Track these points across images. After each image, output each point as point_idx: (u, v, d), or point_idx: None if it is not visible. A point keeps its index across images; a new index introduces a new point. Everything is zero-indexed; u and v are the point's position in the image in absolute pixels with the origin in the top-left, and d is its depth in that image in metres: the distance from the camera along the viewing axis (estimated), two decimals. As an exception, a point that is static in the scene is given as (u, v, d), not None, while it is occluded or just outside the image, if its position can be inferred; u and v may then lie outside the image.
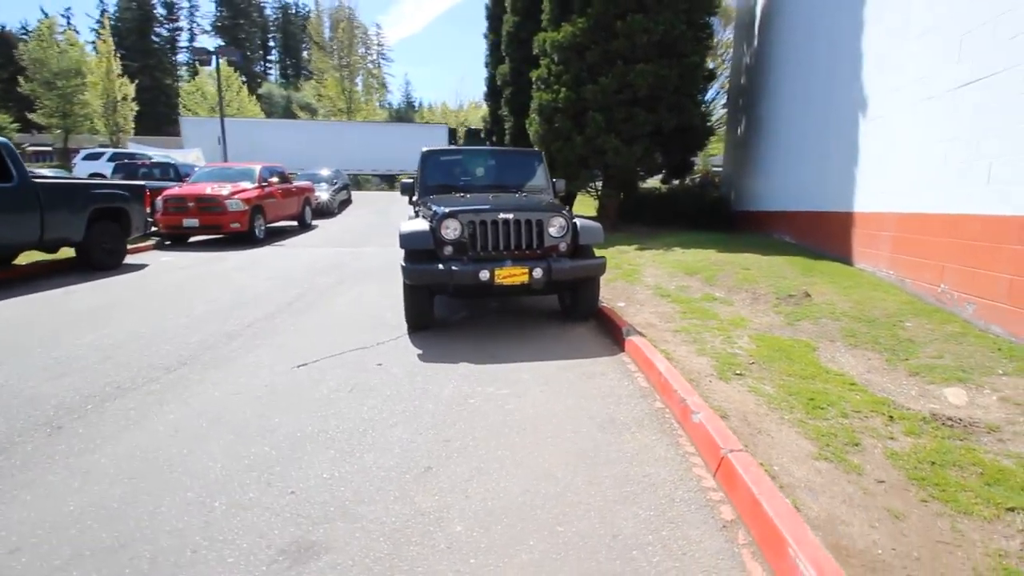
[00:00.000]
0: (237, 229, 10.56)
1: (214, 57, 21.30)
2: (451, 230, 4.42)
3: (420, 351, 4.19)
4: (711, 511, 2.08)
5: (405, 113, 58.64)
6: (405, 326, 4.85)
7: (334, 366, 3.85)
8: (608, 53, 10.13)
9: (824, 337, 4.01)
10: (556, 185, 5.87)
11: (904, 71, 4.98)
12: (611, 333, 4.62)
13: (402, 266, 4.38)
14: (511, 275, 4.33)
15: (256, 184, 11.50)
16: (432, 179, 5.60)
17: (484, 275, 4.24)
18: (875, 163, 5.53)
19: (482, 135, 19.21)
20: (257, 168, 12.16)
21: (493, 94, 17.38)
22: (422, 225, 4.52)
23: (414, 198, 5.72)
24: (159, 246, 10.34)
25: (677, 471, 2.38)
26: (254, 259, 9.10)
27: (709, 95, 14.43)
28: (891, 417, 2.71)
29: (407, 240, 4.41)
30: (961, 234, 4.02)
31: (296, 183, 13.88)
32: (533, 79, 11.47)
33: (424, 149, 5.85)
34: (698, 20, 10.17)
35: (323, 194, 15.86)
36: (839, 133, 6.22)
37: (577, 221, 4.69)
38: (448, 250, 4.43)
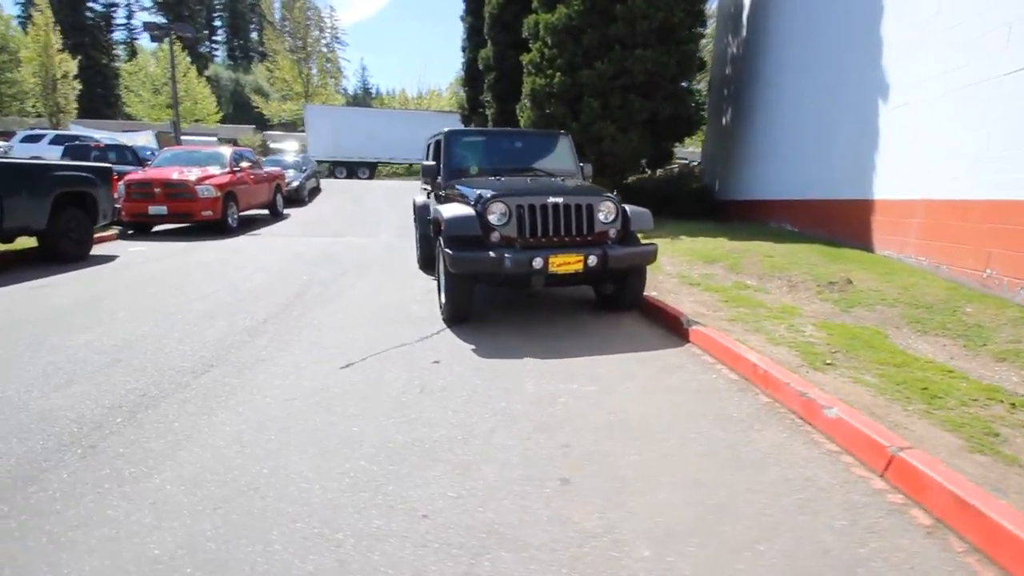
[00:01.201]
0: (209, 217, 9.77)
1: (167, 34, 19.67)
2: (498, 215, 4.10)
3: (471, 346, 3.86)
4: (902, 516, 1.91)
5: (363, 100, 56.73)
6: (439, 319, 4.52)
7: (384, 364, 3.47)
8: (606, 37, 9.91)
9: (888, 324, 3.96)
10: (584, 169, 5.62)
11: (934, 60, 4.99)
12: (661, 323, 4.43)
13: (448, 254, 4.03)
14: (566, 263, 4.05)
15: (227, 169, 10.67)
16: (457, 162, 5.23)
17: (538, 263, 3.95)
18: (899, 151, 5.57)
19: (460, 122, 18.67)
20: (227, 152, 11.30)
21: (472, 79, 16.88)
22: (465, 210, 4.17)
23: (438, 180, 5.32)
24: (122, 236, 9.41)
25: (835, 472, 2.20)
26: (234, 249, 8.41)
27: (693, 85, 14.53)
28: (1013, 404, 2.63)
29: (453, 226, 4.06)
30: (1013, 220, 4.05)
31: (266, 168, 13.02)
32: (524, 63, 11.11)
33: (445, 130, 5.46)
34: (694, 8, 10.08)
35: (293, 181, 14.99)
36: (856, 123, 6.24)
37: (626, 207, 4.46)
38: (495, 236, 4.11)
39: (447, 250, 4.06)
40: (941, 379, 2.95)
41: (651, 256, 4.38)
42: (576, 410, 2.80)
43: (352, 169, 28.10)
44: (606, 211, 4.34)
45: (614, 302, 4.82)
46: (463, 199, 4.58)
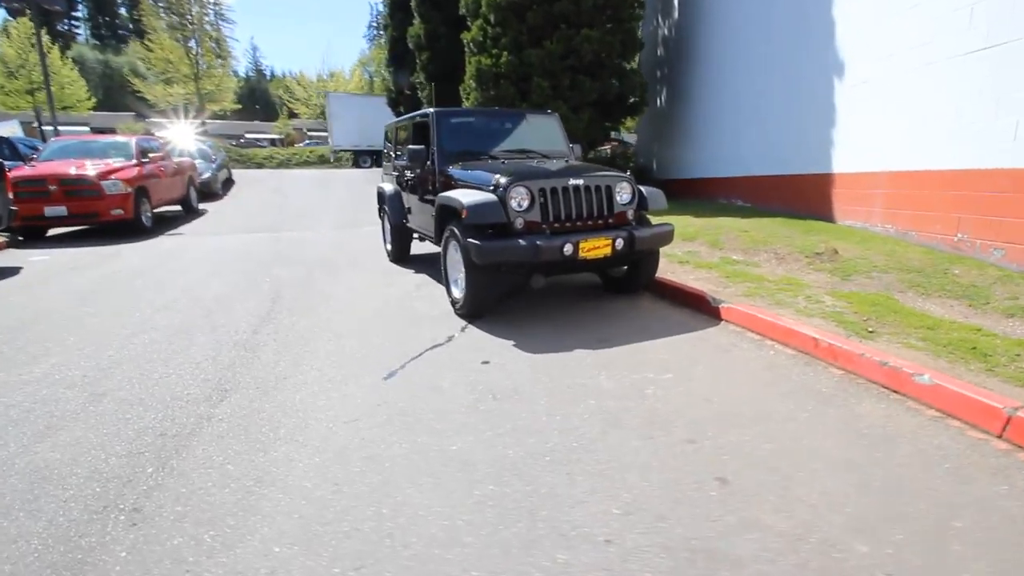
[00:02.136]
0: (120, 217, 8.50)
1: (29, 5, 16.68)
2: (521, 199, 3.85)
3: (509, 341, 3.61)
4: (1046, 475, 1.98)
5: (257, 83, 52.44)
6: (451, 314, 4.21)
7: (431, 370, 3.14)
8: (551, 16, 9.74)
9: (892, 289, 4.21)
10: (574, 150, 5.47)
11: (896, 39, 5.36)
12: (681, 303, 4.42)
13: (473, 244, 3.72)
14: (595, 247, 3.89)
15: (134, 161, 9.32)
16: (452, 145, 4.85)
17: (568, 249, 3.75)
18: (859, 128, 5.96)
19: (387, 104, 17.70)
20: (132, 141, 9.86)
21: (398, 59, 16.05)
22: (484, 196, 3.86)
23: (428, 165, 4.92)
24: (11, 243, 7.92)
25: (955, 437, 2.26)
26: (164, 253, 7.39)
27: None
28: (1052, 356, 2.86)
29: (476, 213, 3.74)
30: (982, 187, 4.46)
31: (176, 159, 11.55)
32: (465, 42, 10.68)
33: (432, 111, 5.04)
34: (633, -13, 10.17)
35: (204, 172, 13.47)
36: (813, 100, 6.61)
37: (641, 187, 4.37)
38: (519, 223, 3.86)
39: (472, 240, 3.75)
40: (978, 338, 3.16)
41: (670, 236, 4.34)
42: (671, 401, 2.68)
43: (378, 157, 25.93)
44: (624, 192, 4.22)
45: (626, 285, 4.74)
46: (469, 184, 4.26)
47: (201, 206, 12.46)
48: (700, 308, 4.20)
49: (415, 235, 6.29)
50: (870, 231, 5.79)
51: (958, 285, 4.09)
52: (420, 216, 5.47)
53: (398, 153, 6.18)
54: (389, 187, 6.39)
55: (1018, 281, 3.97)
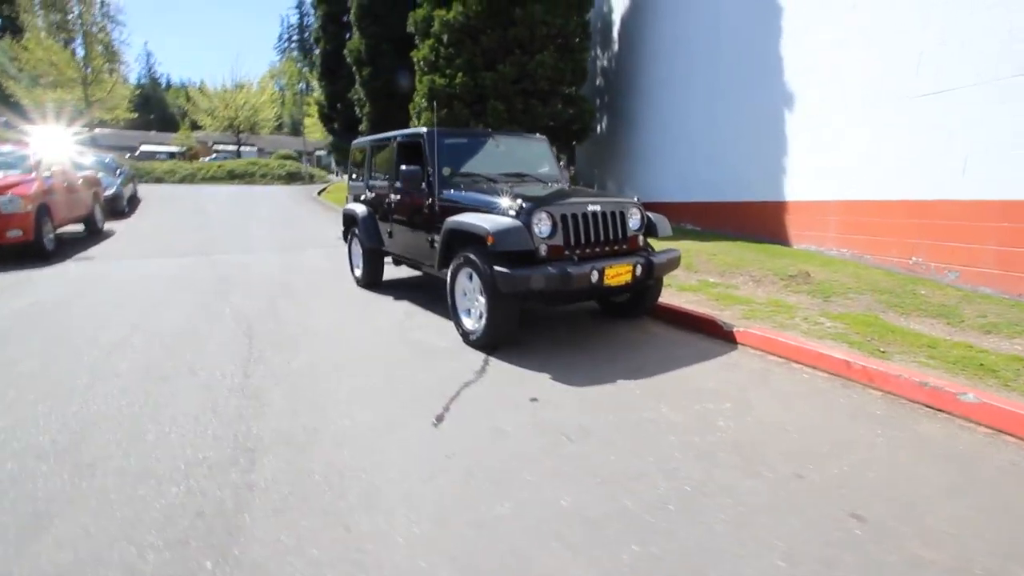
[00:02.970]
0: (18, 239, 7.27)
1: None
2: (544, 225, 3.72)
3: (544, 374, 3.43)
4: (1121, 486, 2.15)
5: (152, 91, 48.13)
6: (461, 345, 3.96)
7: (478, 410, 2.89)
8: (505, 40, 9.80)
9: (873, 309, 4.54)
10: (564, 173, 5.44)
11: (848, 77, 5.90)
12: (689, 327, 4.48)
13: (500, 272, 3.53)
14: (618, 274, 3.85)
15: (32, 174, 8.07)
16: (447, 166, 4.62)
17: (595, 276, 3.68)
18: (813, 158, 6.48)
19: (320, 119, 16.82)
20: (29, 151, 8.52)
21: (330, 73, 15.37)
22: (509, 221, 3.69)
23: (423, 188, 4.64)
24: None
25: (1019, 453, 2.40)
26: (81, 281, 6.41)
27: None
28: (1047, 370, 3.19)
29: (503, 240, 3.55)
30: (935, 216, 4.98)
31: (79, 173, 10.14)
32: (416, 60, 10.46)
33: (427, 130, 4.79)
34: (583, 19, 10.51)
35: (109, 188, 11.97)
36: (766, 132, 7.11)
37: (649, 214, 4.40)
38: (543, 249, 3.72)
39: (499, 268, 3.55)
40: (975, 355, 3.45)
41: (679, 262, 4.40)
42: (748, 432, 2.64)
43: None
44: (635, 217, 4.23)
45: (628, 310, 4.73)
46: (478, 209, 4.06)
47: (107, 225, 11.03)
48: (711, 332, 4.27)
49: (388, 260, 5.96)
50: (826, 255, 6.28)
51: (930, 304, 4.49)
52: (408, 241, 5.15)
53: (374, 175, 5.83)
54: (360, 209, 5.98)
55: (980, 301, 4.44)
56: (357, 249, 6.22)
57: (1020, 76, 4.20)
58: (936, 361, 3.38)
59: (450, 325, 4.51)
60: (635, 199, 4.35)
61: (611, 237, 4.04)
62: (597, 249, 3.97)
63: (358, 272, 6.26)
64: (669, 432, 2.63)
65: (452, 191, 4.44)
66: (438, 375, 3.43)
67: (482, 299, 3.83)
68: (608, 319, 4.81)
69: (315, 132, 40.02)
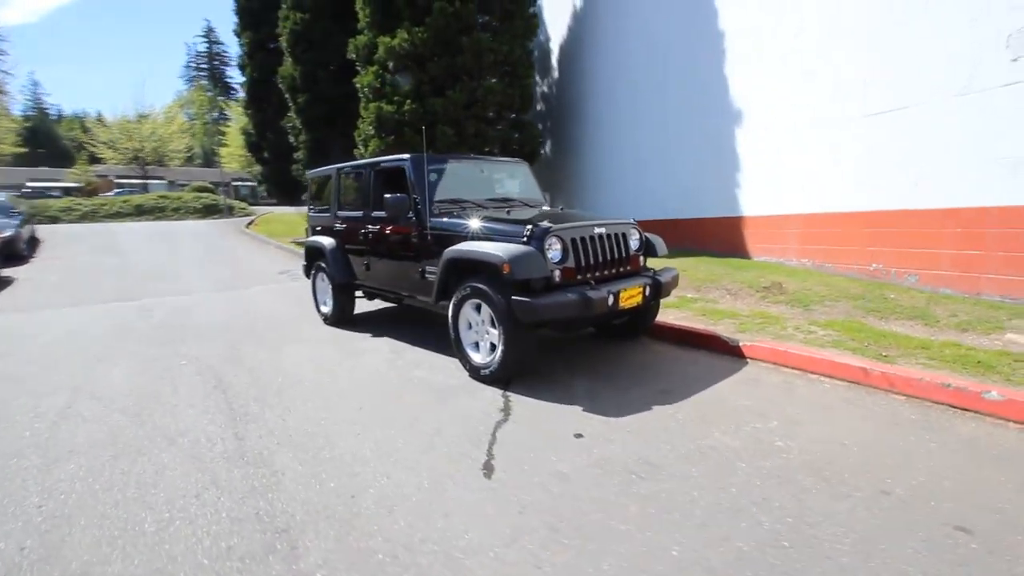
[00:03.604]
0: (-103, 294, 6.13)
1: None
2: (556, 249, 3.59)
3: (575, 406, 3.25)
4: None
5: (40, 123, 43.72)
6: (471, 382, 3.72)
7: (525, 454, 2.66)
8: (452, 67, 9.74)
9: (855, 316, 4.76)
10: (546, 197, 5.36)
11: (799, 100, 6.31)
12: (688, 344, 4.48)
13: (521, 301, 3.34)
14: (631, 296, 3.79)
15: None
16: (440, 194, 4.39)
17: (611, 300, 3.58)
18: (771, 177, 6.82)
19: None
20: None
21: (257, 101, 14.58)
22: (521, 247, 3.51)
23: (411, 217, 4.37)
24: None
25: (1063, 447, 2.51)
26: (-7, 338, 5.47)
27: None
28: (1035, 363, 3.43)
29: (520, 267, 3.37)
30: (893, 225, 5.36)
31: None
32: (360, 87, 10.14)
33: (409, 156, 4.54)
34: (526, 47, 10.68)
35: (5, 230, 10.53)
36: (720, 153, 7.45)
37: (647, 234, 4.39)
38: (556, 275, 3.58)
39: (519, 297, 3.36)
40: (968, 353, 3.66)
41: (678, 280, 4.40)
42: (811, 451, 2.58)
43: None
44: (635, 238, 4.21)
45: (627, 331, 4.66)
46: (481, 236, 3.85)
47: (5, 271, 9.65)
48: (715, 348, 4.28)
49: (358, 295, 5.58)
50: (787, 265, 6.60)
51: (902, 307, 4.78)
52: (390, 274, 4.83)
53: (343, 205, 5.46)
54: (327, 242, 5.57)
55: (945, 301, 4.79)
56: (324, 284, 5.78)
57: (961, 96, 4.65)
58: (936, 361, 3.54)
59: (449, 361, 4.24)
60: (632, 220, 4.32)
61: (615, 258, 3.98)
62: (605, 272, 3.88)
63: (325, 309, 5.81)
64: (735, 459, 2.52)
65: (444, 219, 4.20)
66: (462, 417, 3.15)
67: (494, 331, 3.61)
68: (605, 341, 4.71)
69: (232, 162, 37.98)
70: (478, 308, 3.75)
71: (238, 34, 14.66)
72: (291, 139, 13.14)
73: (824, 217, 6.10)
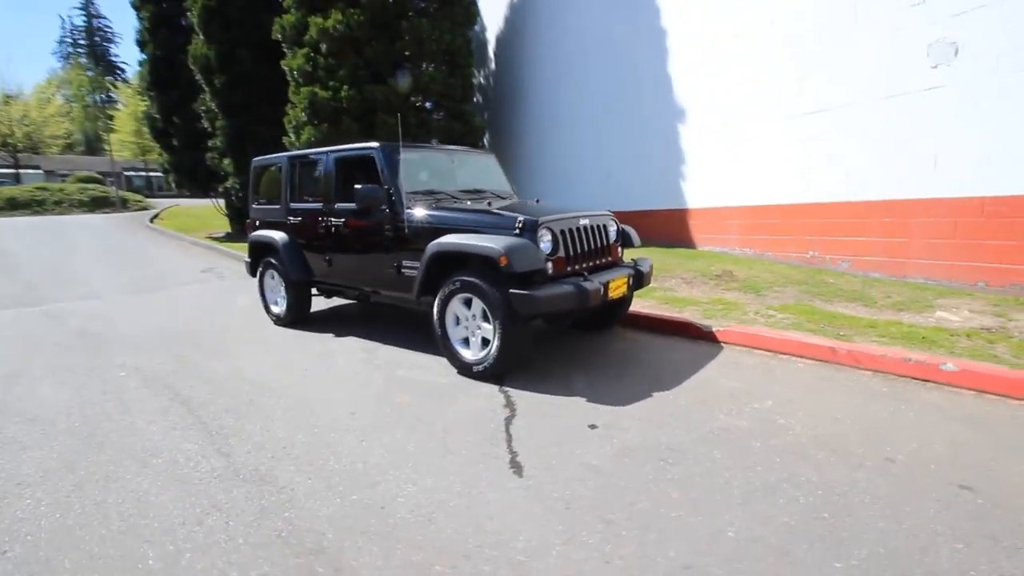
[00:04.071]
0: None
1: None
2: (547, 241, 3.57)
3: (578, 397, 3.26)
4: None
5: None
6: (463, 380, 3.62)
7: (547, 449, 2.63)
8: (391, 53, 9.36)
9: (803, 300, 5.15)
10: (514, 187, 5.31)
11: (740, 100, 6.69)
12: (662, 332, 4.63)
13: (522, 294, 3.28)
14: (618, 287, 3.86)
15: None
16: (408, 184, 4.19)
17: (602, 291, 3.62)
18: (713, 171, 7.20)
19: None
20: None
21: (161, 83, 13.18)
22: (514, 240, 3.44)
23: (384, 210, 4.15)
24: None
25: (1013, 406, 2.86)
26: None
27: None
28: (967, 335, 3.89)
29: (517, 260, 3.30)
30: (826, 216, 5.86)
31: None
32: (290, 70, 9.47)
33: (378, 145, 4.30)
34: (466, 36, 10.48)
35: None
36: (663, 148, 7.75)
37: (622, 225, 4.47)
38: (548, 266, 3.56)
39: (517, 290, 3.30)
40: (910, 329, 4.08)
41: (653, 270, 4.53)
42: (813, 427, 2.75)
43: None
44: (613, 229, 4.28)
45: (600, 322, 4.73)
46: (461, 228, 3.73)
47: None
48: (688, 335, 4.46)
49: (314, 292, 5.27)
50: (730, 254, 7.02)
51: (842, 291, 5.24)
52: (358, 270, 4.58)
53: (298, 197, 5.08)
54: (279, 236, 5.16)
55: (878, 284, 5.30)
56: (275, 283, 5.37)
57: (889, 99, 5.16)
58: (886, 338, 3.92)
59: (430, 358, 4.11)
60: (609, 211, 4.39)
61: (598, 249, 4.02)
62: (589, 263, 3.91)
63: (277, 309, 5.40)
64: (749, 439, 2.64)
65: (423, 211, 4.03)
66: (467, 416, 3.05)
67: (487, 326, 3.52)
68: (581, 332, 4.76)
69: (124, 150, 34.24)
70: (468, 303, 3.64)
71: (136, 7, 13.10)
72: (204, 124, 12.03)
73: (764, 209, 6.55)
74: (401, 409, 3.19)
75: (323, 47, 9.22)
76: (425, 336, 4.77)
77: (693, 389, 3.33)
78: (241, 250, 11.23)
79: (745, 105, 6.61)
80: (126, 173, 34.82)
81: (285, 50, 9.94)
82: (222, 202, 14.66)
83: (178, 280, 8.53)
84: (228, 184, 12.13)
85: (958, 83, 4.69)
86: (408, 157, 4.37)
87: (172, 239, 13.95)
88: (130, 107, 33.05)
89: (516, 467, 2.46)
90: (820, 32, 5.71)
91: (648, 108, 7.99)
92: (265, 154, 5.65)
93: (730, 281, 5.92)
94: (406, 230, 4.03)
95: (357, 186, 4.10)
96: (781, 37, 6.10)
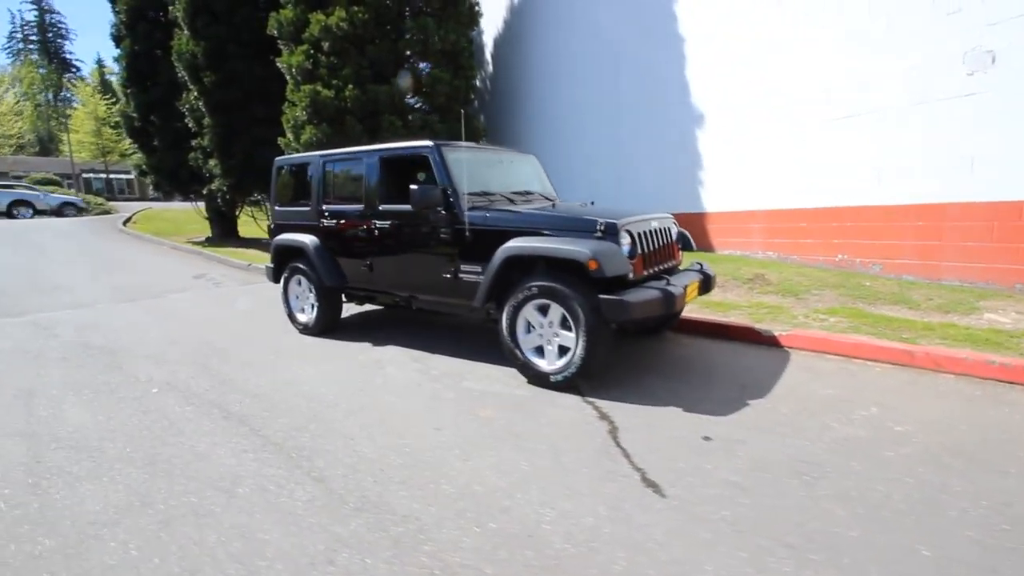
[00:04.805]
0: None
1: None
2: (627, 244, 3.42)
3: (672, 407, 3.11)
4: None
5: None
6: (537, 390, 3.45)
7: (674, 464, 2.46)
8: (395, 52, 9.10)
9: (846, 303, 5.15)
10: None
11: (765, 108, 6.70)
12: (716, 336, 4.54)
13: (613, 300, 3.13)
14: (692, 291, 3.73)
15: None
16: (470, 185, 3.97)
17: (684, 295, 3.50)
18: (734, 176, 7.18)
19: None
20: None
21: (139, 78, 12.49)
22: (599, 243, 3.27)
23: (440, 212, 3.92)
24: None
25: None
26: None
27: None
28: (1025, 337, 3.93)
29: (607, 264, 3.14)
30: (856, 219, 5.90)
31: None
32: (289, 67, 9.08)
33: (433, 143, 4.09)
34: (468, 37, 10.29)
35: None
36: (684, 157, 7.70)
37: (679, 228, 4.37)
38: (631, 271, 3.41)
39: (610, 296, 3.15)
40: (968, 332, 4.10)
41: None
42: (932, 434, 2.68)
43: None
44: (675, 230, 4.17)
45: (656, 325, 4.61)
46: (538, 231, 3.55)
47: None
48: (748, 339, 4.38)
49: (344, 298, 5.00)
50: (753, 258, 7.03)
51: (882, 294, 5.27)
52: (407, 274, 4.32)
53: (332, 198, 4.79)
54: (309, 240, 4.86)
55: (915, 287, 5.35)
56: (303, 289, 5.06)
57: (922, 104, 5.24)
58: (949, 340, 3.92)
59: (490, 367, 3.92)
60: (669, 214, 4.27)
61: (666, 252, 3.91)
62: (659, 267, 3.78)
63: (304, 317, 5.08)
64: (878, 448, 2.54)
65: (484, 212, 3.82)
66: (565, 429, 2.86)
67: (567, 333, 3.34)
68: (631, 338, 4.61)
69: (82, 151, 32.51)
70: (543, 309, 3.45)
71: (112, 0, 12.41)
72: (189, 124, 11.44)
73: (788, 213, 6.58)
74: (489, 424, 2.97)
75: (325, 45, 8.88)
76: (474, 344, 4.56)
77: (786, 396, 3.22)
78: (231, 255, 10.73)
79: (766, 112, 6.63)
80: (85, 175, 33.05)
81: (282, 47, 9.55)
82: (202, 205, 14.00)
83: (170, 287, 8.01)
84: (214, 186, 11.56)
85: (995, 89, 4.78)
86: (463, 156, 4.16)
87: (150, 244, 13.20)
88: (89, 106, 31.40)
89: (652, 485, 2.29)
90: (854, 38, 5.77)
91: (665, 114, 7.96)
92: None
93: (764, 284, 5.89)
94: (467, 232, 3.81)
95: (413, 187, 3.86)
96: (812, 42, 6.14)
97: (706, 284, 3.99)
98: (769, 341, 4.28)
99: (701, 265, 4.18)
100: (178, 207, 22.29)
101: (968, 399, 3.11)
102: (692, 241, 4.39)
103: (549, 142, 10.57)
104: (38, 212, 20.16)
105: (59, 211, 20.50)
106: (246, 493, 2.32)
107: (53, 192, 22.52)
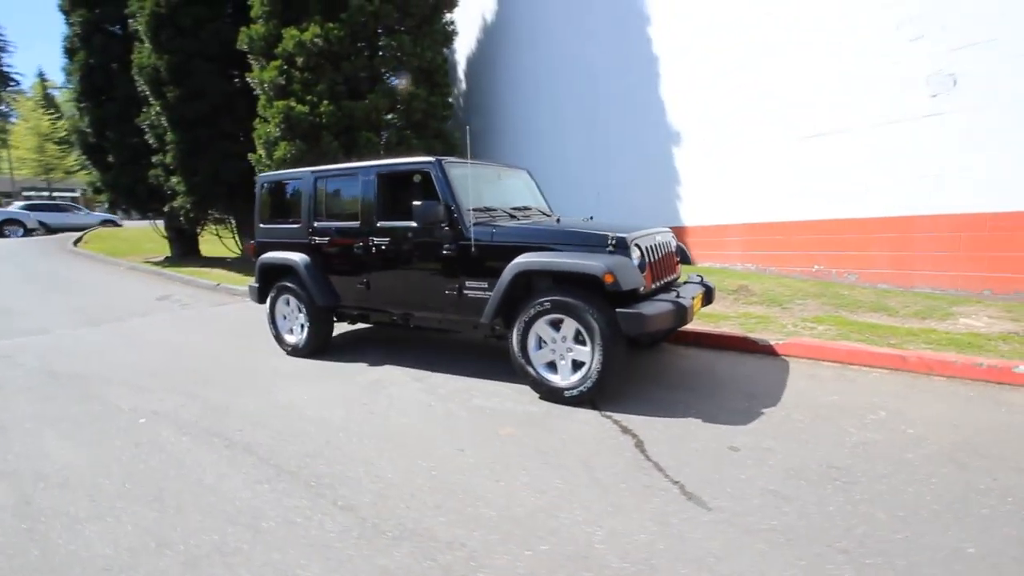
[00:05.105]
0: None
1: None
2: (637, 258, 3.45)
3: (691, 419, 3.13)
4: None
5: None
6: (551, 406, 3.43)
7: (711, 480, 2.46)
8: (371, 68, 9.03)
9: (828, 312, 5.35)
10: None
11: (741, 125, 6.96)
12: (711, 346, 4.63)
13: (631, 313, 3.14)
14: (699, 302, 3.79)
15: None
16: (467, 201, 3.93)
17: (693, 307, 3.55)
18: (712, 191, 7.40)
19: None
20: None
21: (94, 93, 11.92)
22: (613, 257, 3.28)
23: (443, 228, 3.86)
24: None
25: (1101, 406, 3.05)
26: None
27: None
28: (1002, 339, 4.17)
29: (623, 278, 3.15)
30: (833, 231, 6.17)
31: None
32: (260, 82, 8.85)
33: (435, 159, 4.04)
34: (444, 53, 10.32)
35: None
36: (662, 173, 7.88)
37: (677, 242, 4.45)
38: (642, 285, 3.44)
39: (627, 309, 3.16)
40: (949, 336, 4.33)
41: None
42: (941, 435, 2.78)
43: None
44: (675, 244, 4.24)
45: (654, 338, 4.66)
46: (544, 247, 3.54)
47: None
48: (745, 349, 4.47)
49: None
50: (732, 270, 7.24)
51: (861, 302, 5.50)
52: (408, 292, 4.22)
53: (324, 216, 4.66)
54: (298, 258, 4.70)
55: (892, 295, 5.60)
56: (292, 309, 4.88)
57: (892, 123, 5.56)
58: (934, 345, 4.12)
59: (497, 384, 3.88)
60: (668, 228, 4.35)
61: (669, 265, 3.97)
62: (663, 280, 3.84)
63: (293, 338, 4.89)
64: (897, 452, 2.62)
65: (489, 228, 3.78)
66: (590, 444, 2.83)
67: (582, 348, 3.33)
68: (632, 349, 4.64)
69: (23, 167, 30.67)
70: (555, 324, 3.43)
71: (66, 11, 11.81)
72: (149, 140, 10.98)
73: (765, 226, 6.82)
74: (511, 442, 2.91)
75: (299, 60, 8.73)
76: (473, 361, 4.49)
77: (797, 404, 3.29)
78: (196, 274, 10.27)
79: (746, 127, 6.89)
80: (25, 193, 31.13)
81: (252, 62, 9.32)
82: (161, 223, 13.40)
83: (133, 310, 7.59)
84: (176, 203, 11.08)
85: (958, 109, 5.13)
86: (463, 172, 4.13)
87: (105, 264, 12.48)
88: (30, 121, 29.73)
89: (692, 498, 2.28)
90: (825, 60, 6.07)
91: (642, 132, 8.17)
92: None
93: (748, 295, 6.07)
94: (472, 248, 3.76)
95: (416, 203, 3.80)
96: (789, 60, 6.42)
97: (708, 296, 4.08)
98: (765, 350, 4.38)
99: (701, 277, 4.26)
100: (134, 226, 21.29)
101: (964, 400, 3.26)
102: (689, 254, 4.47)
103: (524, 159, 10.64)
104: (-25, 232, 18.88)
105: (0, 230, 19.24)
106: (272, 527, 2.18)
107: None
